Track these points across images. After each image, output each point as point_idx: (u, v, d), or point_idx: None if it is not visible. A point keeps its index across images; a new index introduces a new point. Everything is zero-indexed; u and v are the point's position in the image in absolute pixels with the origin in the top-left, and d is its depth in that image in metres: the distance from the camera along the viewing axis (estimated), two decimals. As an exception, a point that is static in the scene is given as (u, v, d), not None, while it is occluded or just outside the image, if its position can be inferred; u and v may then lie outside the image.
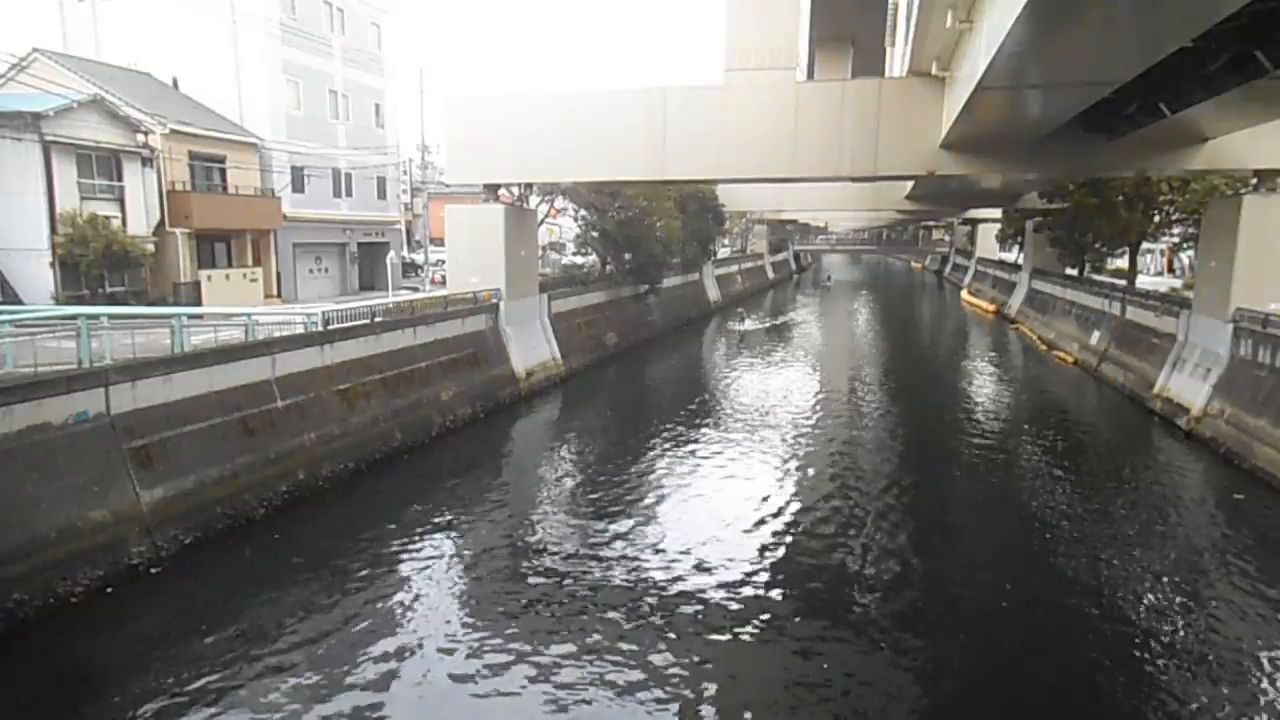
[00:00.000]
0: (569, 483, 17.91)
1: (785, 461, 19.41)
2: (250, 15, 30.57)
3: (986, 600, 12.35)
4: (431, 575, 12.81)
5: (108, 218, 24.46)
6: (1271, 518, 16.17)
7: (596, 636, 10.82)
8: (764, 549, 13.91)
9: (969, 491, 18.29)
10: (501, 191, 27.07)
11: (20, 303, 22.37)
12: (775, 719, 9.46)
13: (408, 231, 42.78)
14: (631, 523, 14.99)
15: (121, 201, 25.56)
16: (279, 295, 31.84)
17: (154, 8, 30.88)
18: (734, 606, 11.83)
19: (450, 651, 10.46)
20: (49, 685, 9.67)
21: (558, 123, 23.81)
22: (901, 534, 15.10)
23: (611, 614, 11.51)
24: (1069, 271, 43.26)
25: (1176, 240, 42.99)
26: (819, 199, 51.06)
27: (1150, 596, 12.42)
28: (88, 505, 11.86)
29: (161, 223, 26.85)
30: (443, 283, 31.11)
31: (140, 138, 25.93)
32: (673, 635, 10.95)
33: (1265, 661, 10.58)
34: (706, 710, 9.34)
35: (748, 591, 12.30)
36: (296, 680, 9.63)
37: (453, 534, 14.78)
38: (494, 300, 25.65)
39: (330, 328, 18.19)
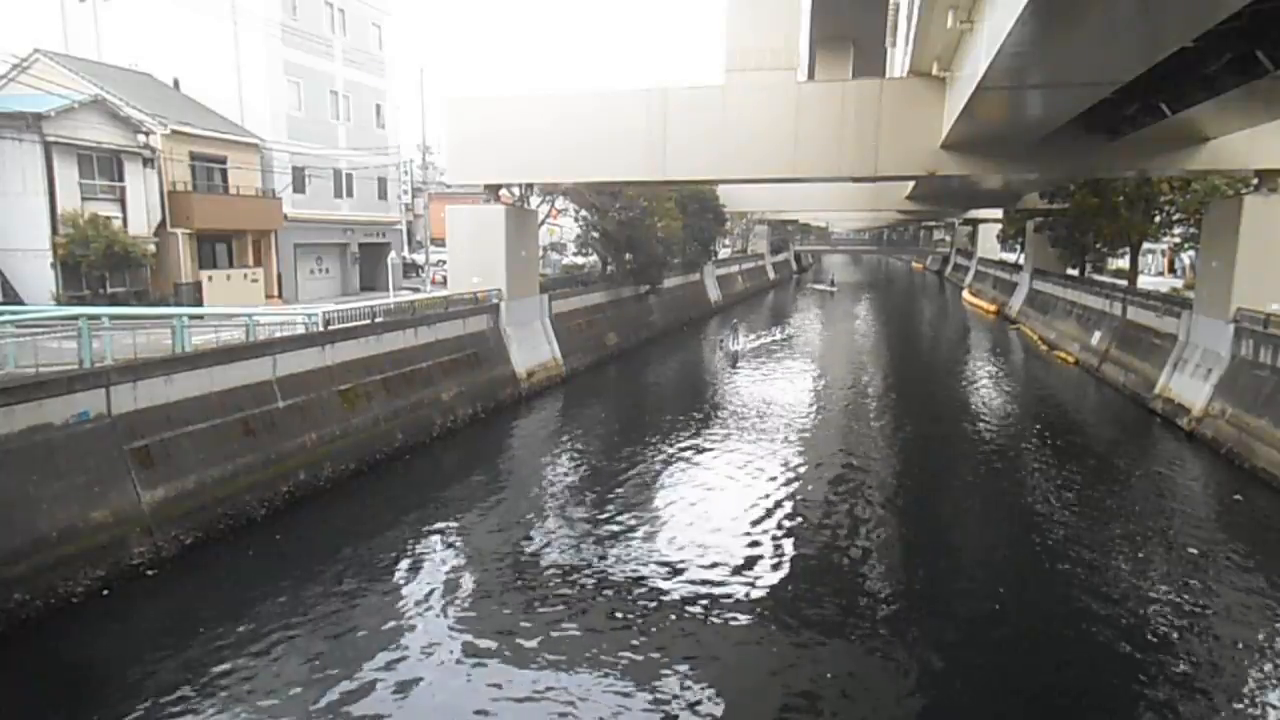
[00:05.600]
0: (570, 483, 17.91)
1: (786, 461, 19.40)
2: (251, 16, 30.61)
3: (987, 600, 12.34)
4: (433, 576, 12.81)
5: (109, 218, 24.49)
6: (1272, 518, 16.16)
7: (598, 636, 10.83)
8: (766, 549, 13.91)
9: (971, 492, 18.28)
10: (502, 192, 27.10)
11: (21, 303, 22.38)
12: (776, 718, 9.46)
13: (409, 232, 42.78)
14: (633, 523, 15.00)
15: (123, 202, 25.58)
16: (280, 295, 31.85)
17: (155, 8, 30.93)
18: (735, 606, 11.82)
19: (451, 652, 10.46)
20: (50, 686, 9.67)
21: (558, 123, 23.82)
22: (903, 534, 15.12)
23: (613, 614, 11.53)
24: (1070, 272, 43.29)
25: (1177, 240, 42.96)
26: (820, 199, 50.99)
27: (1150, 597, 12.41)
28: (89, 505, 11.87)
29: (163, 223, 26.88)
30: (444, 283, 31.13)
31: (141, 138, 25.96)
32: (674, 635, 10.96)
33: (1265, 662, 10.58)
34: (707, 709, 9.34)
35: (749, 591, 12.29)
36: (297, 681, 9.64)
37: (454, 534, 14.78)
38: (495, 300, 25.67)
39: (331, 328, 18.19)
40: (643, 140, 23.11)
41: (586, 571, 12.94)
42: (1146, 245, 42.55)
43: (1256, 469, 18.09)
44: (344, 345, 18.40)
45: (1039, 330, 42.41)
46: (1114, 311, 31.92)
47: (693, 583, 12.48)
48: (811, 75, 30.48)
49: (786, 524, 15.22)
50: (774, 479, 17.99)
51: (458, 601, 11.96)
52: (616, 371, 32.40)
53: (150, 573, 12.17)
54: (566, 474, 18.71)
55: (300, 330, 17.67)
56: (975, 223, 72.28)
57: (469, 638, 10.83)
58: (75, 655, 10.19)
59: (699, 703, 9.44)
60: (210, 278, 28.08)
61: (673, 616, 11.49)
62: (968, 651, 10.89)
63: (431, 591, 12.21)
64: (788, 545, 14.19)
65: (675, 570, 12.92)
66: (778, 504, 16.34)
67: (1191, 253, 42.52)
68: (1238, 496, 17.30)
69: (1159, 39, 11.47)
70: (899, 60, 23.90)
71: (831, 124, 21.73)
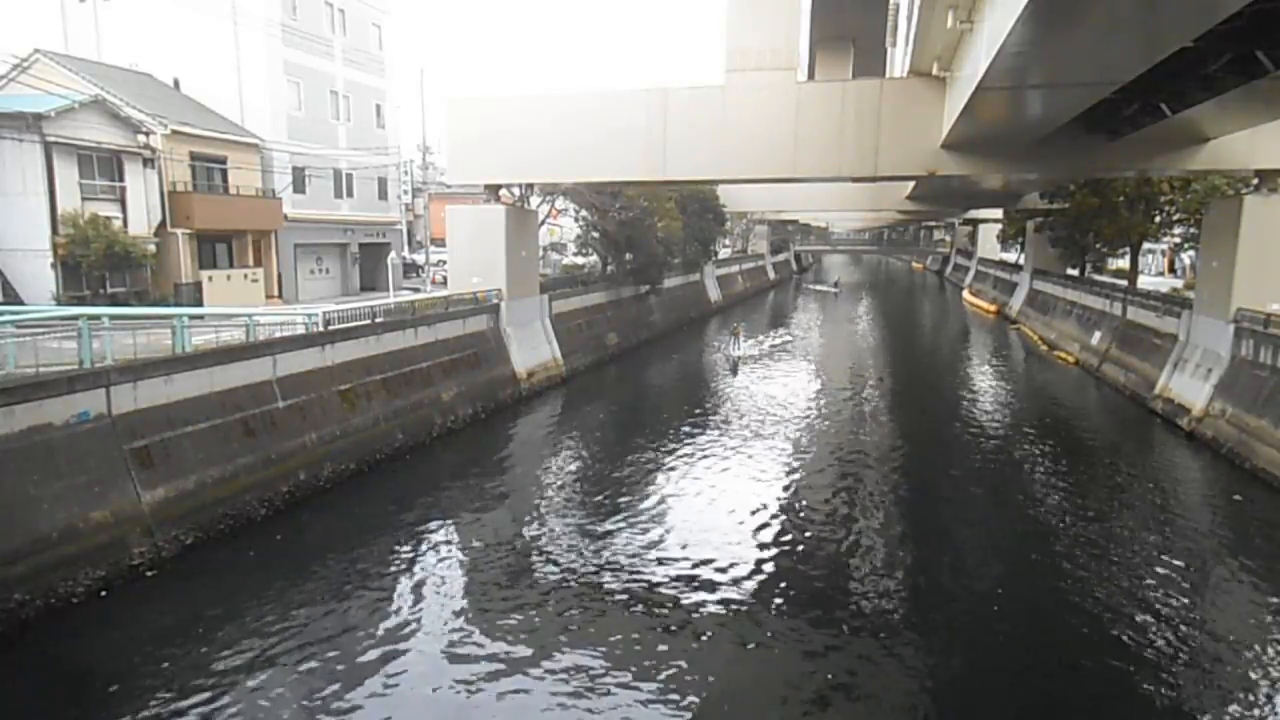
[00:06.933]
0: (570, 484, 17.91)
1: (788, 461, 19.40)
2: (251, 16, 30.59)
3: (986, 600, 12.35)
4: (433, 576, 12.81)
5: (109, 218, 24.48)
6: (1272, 518, 16.16)
7: (598, 637, 10.83)
8: (766, 550, 13.92)
9: (971, 492, 18.28)
10: (502, 192, 27.10)
11: (21, 303, 22.38)
12: (775, 717, 9.46)
13: (409, 232, 42.78)
14: (633, 524, 14.99)
15: (123, 202, 25.56)
16: (280, 296, 31.85)
17: (155, 8, 30.92)
18: (735, 607, 11.84)
19: (451, 653, 10.47)
20: (50, 686, 9.66)
21: (558, 123, 23.83)
22: (904, 535, 15.12)
23: (612, 615, 11.54)
24: (1070, 272, 43.29)
25: (1178, 240, 42.97)
26: (820, 199, 51.05)
27: (1149, 597, 12.40)
28: (89, 505, 11.87)
29: (163, 223, 26.87)
30: (444, 283, 31.13)
31: (141, 138, 25.94)
32: (674, 635, 10.96)
33: (1265, 663, 10.58)
34: (706, 711, 9.34)
35: (749, 592, 12.30)
36: (297, 682, 9.64)
37: (454, 535, 14.79)
38: (495, 301, 25.67)
39: (331, 328, 18.19)
40: (643, 140, 23.11)
41: (587, 572, 12.93)
42: (1146, 245, 42.55)
43: (1256, 469, 18.09)
44: (344, 345, 18.40)
45: (1039, 330, 42.41)
46: (1114, 311, 31.93)
47: (692, 583, 12.48)
48: (811, 75, 30.48)
49: (787, 524, 15.23)
50: (774, 480, 18.00)
51: (458, 601, 11.96)
52: (616, 372, 32.39)
53: (150, 573, 12.16)
54: (566, 475, 18.71)
55: (300, 330, 17.66)
56: (975, 223, 72.30)
57: (470, 637, 10.83)
58: (75, 656, 10.18)
59: (699, 703, 9.43)
60: (210, 278, 28.07)
61: (672, 616, 11.48)
62: (967, 651, 10.90)
63: (432, 592, 12.20)
64: (788, 545, 14.19)
65: (675, 571, 12.92)
66: (778, 504, 16.35)
67: (1191, 253, 42.52)
68: (1237, 496, 17.30)
69: (1159, 39, 11.47)
70: (899, 60, 23.90)
71: (831, 124, 21.72)
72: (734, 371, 32.57)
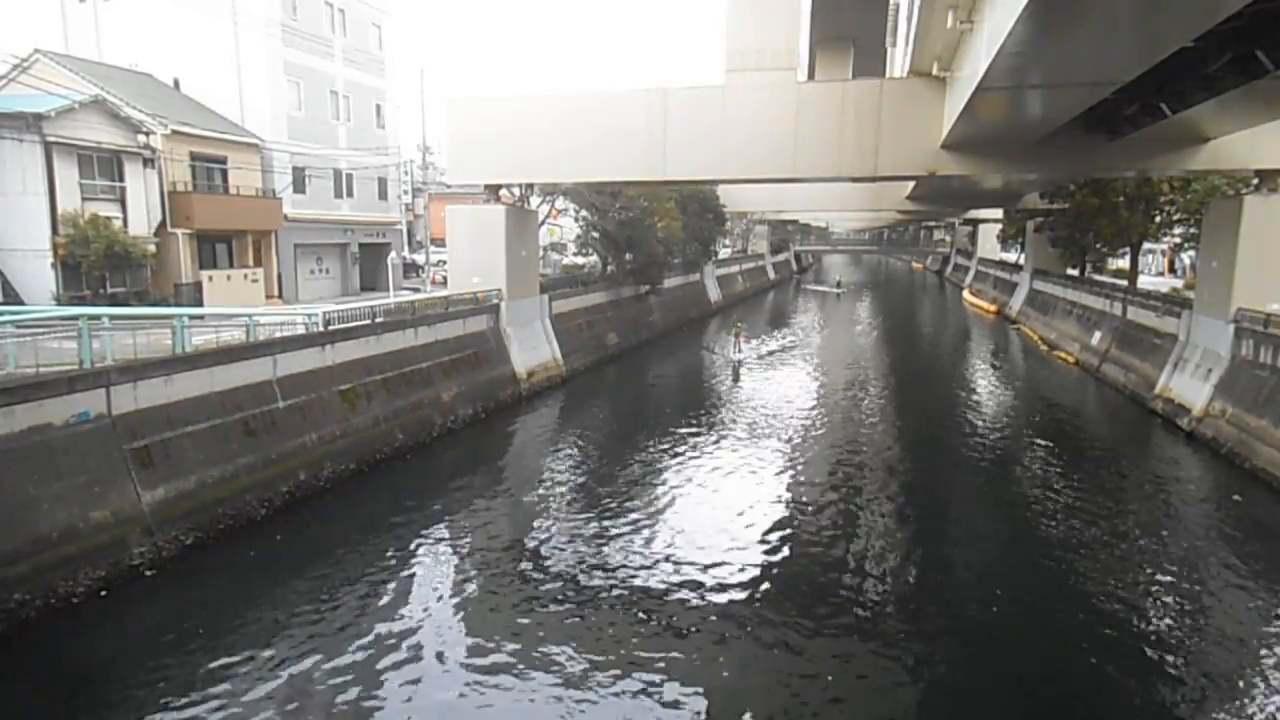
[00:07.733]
0: (570, 484, 17.91)
1: (789, 460, 19.40)
2: (251, 16, 30.60)
3: (984, 600, 12.35)
4: (433, 576, 12.82)
5: (109, 218, 24.47)
6: (1272, 518, 16.16)
7: (598, 638, 10.84)
8: (767, 551, 13.92)
9: (971, 492, 18.29)
10: (502, 192, 27.10)
11: (22, 303, 22.38)
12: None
13: (409, 232, 42.79)
14: (633, 525, 14.99)
15: (123, 202, 25.56)
16: (280, 296, 31.85)
17: (155, 8, 30.93)
18: (735, 610, 11.83)
19: (451, 652, 10.46)
20: (50, 686, 9.65)
21: (558, 123, 23.84)
22: (904, 536, 15.12)
23: (613, 615, 11.53)
24: (1070, 272, 43.32)
25: (1178, 240, 42.99)
26: (820, 199, 51.07)
27: (1149, 597, 12.42)
28: (89, 505, 11.87)
29: (163, 223, 26.87)
30: (444, 283, 31.14)
31: (141, 138, 25.94)
32: (673, 636, 10.96)
33: (1265, 663, 10.58)
34: (706, 710, 9.33)
35: (750, 595, 12.30)
36: (297, 682, 9.64)
37: (454, 535, 14.78)
38: (495, 301, 25.67)
39: (331, 328, 18.20)
40: (643, 140, 23.12)
41: (586, 572, 12.93)
42: (1146, 245, 42.56)
43: (1256, 469, 18.09)
44: (344, 345, 18.40)
45: (1039, 330, 42.42)
46: (1114, 311, 31.93)
47: (692, 585, 12.48)
48: (811, 75, 30.48)
49: (787, 526, 15.23)
50: (774, 481, 18.00)
51: (457, 602, 11.96)
52: (617, 372, 32.38)
53: (150, 573, 12.16)
54: (566, 475, 18.70)
55: (300, 330, 17.66)
56: (975, 223, 72.32)
57: (469, 638, 10.84)
58: (75, 656, 10.18)
59: (698, 703, 9.43)
60: (210, 278, 28.06)
61: (672, 618, 11.48)
62: (967, 651, 10.89)
63: (431, 592, 12.21)
64: (788, 547, 14.20)
65: (674, 572, 12.92)
66: (778, 506, 16.36)
67: (1191, 253, 42.52)
68: (1237, 497, 17.30)
69: (1159, 39, 11.47)
70: (899, 60, 23.90)
71: (831, 124, 21.73)
72: (735, 373, 32.33)
